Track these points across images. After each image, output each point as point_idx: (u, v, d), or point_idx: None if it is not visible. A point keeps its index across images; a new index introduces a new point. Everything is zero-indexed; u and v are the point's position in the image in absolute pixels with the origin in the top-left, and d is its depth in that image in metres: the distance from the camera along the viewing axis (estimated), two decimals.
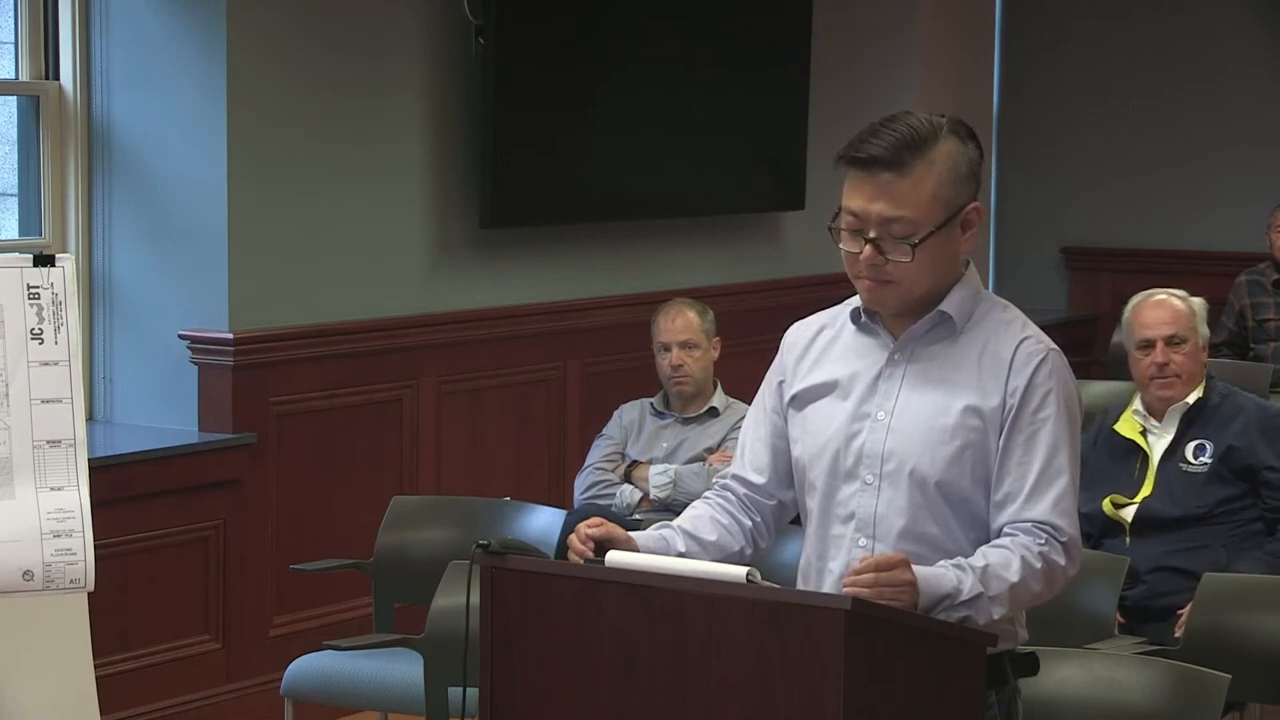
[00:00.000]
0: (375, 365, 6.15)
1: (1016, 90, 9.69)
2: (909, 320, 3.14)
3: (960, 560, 3.00)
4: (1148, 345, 5.28)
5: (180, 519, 5.64)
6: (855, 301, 3.21)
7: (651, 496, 5.76)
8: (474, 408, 6.49)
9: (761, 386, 3.30)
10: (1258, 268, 8.07)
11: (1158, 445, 5.25)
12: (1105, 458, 5.29)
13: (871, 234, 3.05)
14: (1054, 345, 3.13)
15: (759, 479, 3.26)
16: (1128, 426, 5.30)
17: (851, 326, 3.21)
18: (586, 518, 3.11)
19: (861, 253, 3.06)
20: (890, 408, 3.11)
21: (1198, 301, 5.40)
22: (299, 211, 5.95)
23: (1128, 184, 9.53)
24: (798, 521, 3.28)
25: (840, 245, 3.10)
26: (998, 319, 3.14)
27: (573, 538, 3.06)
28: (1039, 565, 3.01)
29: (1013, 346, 3.10)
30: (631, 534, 3.10)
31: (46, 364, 3.75)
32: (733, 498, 3.26)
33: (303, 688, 5.02)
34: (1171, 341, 5.26)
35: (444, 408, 6.37)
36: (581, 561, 3.01)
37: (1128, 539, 5.14)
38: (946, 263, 3.10)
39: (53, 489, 3.73)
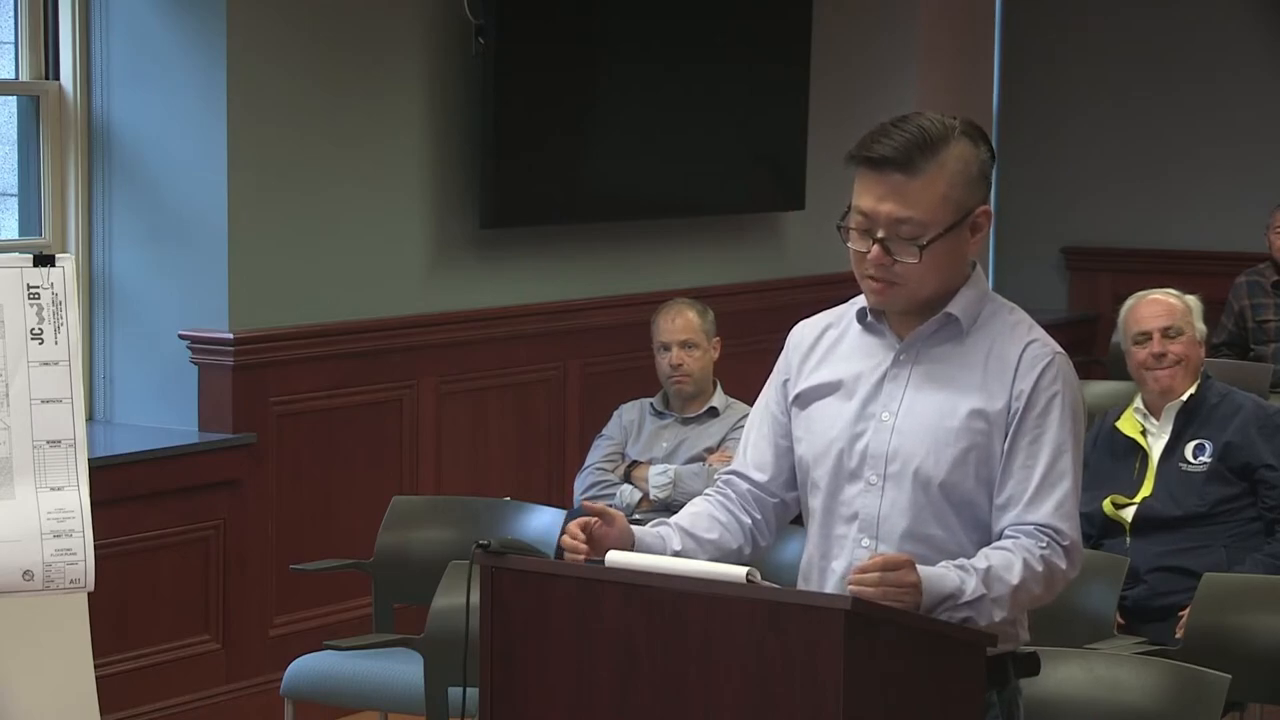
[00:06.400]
0: (375, 365, 6.15)
1: (1016, 90, 9.68)
2: (915, 321, 3.14)
3: (963, 561, 3.00)
4: (1144, 338, 5.29)
5: (180, 519, 5.64)
6: (861, 300, 3.21)
7: (651, 497, 5.76)
8: (474, 408, 6.49)
9: (766, 384, 3.29)
10: (1257, 268, 8.07)
11: (1156, 445, 5.25)
12: (1106, 457, 5.30)
13: (880, 234, 3.04)
14: (1060, 349, 3.13)
15: (761, 476, 3.25)
16: (1129, 425, 5.31)
17: (857, 326, 3.20)
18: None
19: (869, 252, 3.06)
20: (895, 408, 3.10)
21: (1192, 298, 5.42)
22: (299, 211, 5.95)
23: (1128, 184, 9.53)
24: (798, 521, 3.28)
25: (848, 244, 3.10)
26: (1004, 321, 3.14)
27: (565, 539, 3.05)
28: (1040, 568, 3.01)
29: (1019, 349, 3.10)
30: (629, 526, 3.11)
31: (46, 364, 3.75)
32: (733, 495, 3.26)
33: (303, 688, 5.02)
34: (1168, 333, 5.28)
35: (444, 408, 6.37)
36: (579, 559, 3.01)
37: (1128, 539, 5.14)
38: (954, 265, 3.10)
39: (53, 489, 3.73)
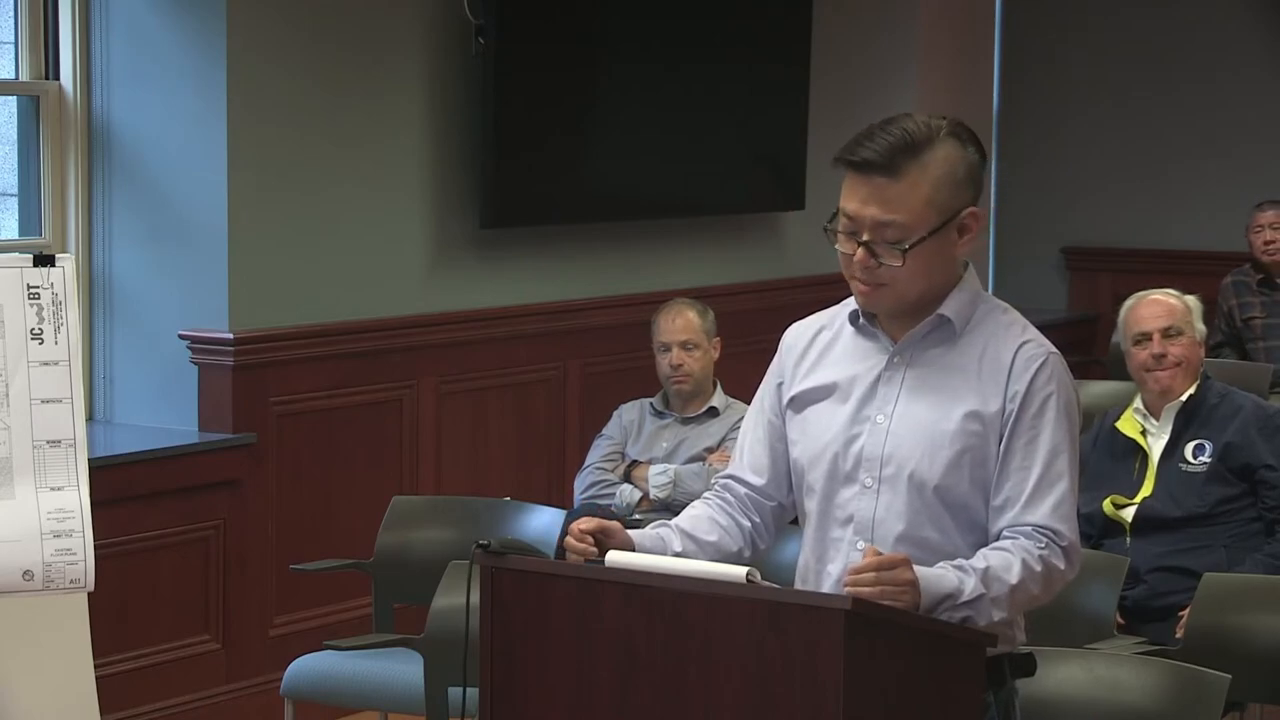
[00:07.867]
0: (375, 365, 6.15)
1: (1016, 90, 9.69)
2: (908, 323, 3.13)
3: (961, 561, 3.00)
4: (1144, 338, 5.30)
5: (180, 519, 5.64)
6: (854, 302, 3.21)
7: (651, 496, 5.76)
8: (474, 408, 6.49)
9: (760, 387, 3.29)
10: (1243, 268, 8.07)
11: (1156, 445, 5.25)
12: (1105, 457, 5.30)
13: (865, 237, 3.04)
14: (1054, 349, 3.12)
15: (758, 480, 3.25)
16: (1129, 425, 5.31)
17: (850, 328, 3.20)
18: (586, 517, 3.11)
19: (855, 255, 3.06)
20: (889, 411, 3.10)
21: (1192, 299, 5.42)
22: (299, 211, 5.95)
23: (1128, 184, 9.53)
24: (797, 522, 3.28)
25: (836, 247, 3.10)
26: (997, 322, 3.14)
27: (570, 540, 3.05)
28: (1039, 569, 3.01)
29: (1013, 350, 3.09)
30: (629, 531, 3.10)
31: (46, 364, 3.75)
32: (732, 498, 3.26)
33: (303, 688, 5.02)
34: (1168, 334, 5.28)
35: (444, 408, 6.37)
36: (582, 560, 3.01)
37: (1128, 539, 5.15)
38: (941, 267, 3.09)
39: (53, 489, 3.73)
